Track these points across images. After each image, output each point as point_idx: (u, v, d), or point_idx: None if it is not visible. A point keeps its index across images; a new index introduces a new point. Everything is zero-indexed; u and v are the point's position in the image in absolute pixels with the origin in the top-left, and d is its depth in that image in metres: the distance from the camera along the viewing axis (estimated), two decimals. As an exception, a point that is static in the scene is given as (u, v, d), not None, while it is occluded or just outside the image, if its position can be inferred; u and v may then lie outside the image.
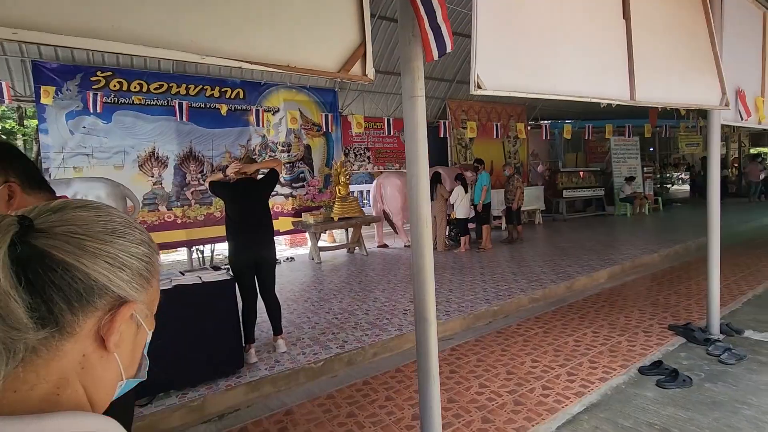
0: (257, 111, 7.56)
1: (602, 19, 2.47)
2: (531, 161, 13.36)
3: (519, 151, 12.78)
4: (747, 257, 6.47)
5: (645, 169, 13.59)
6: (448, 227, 8.46)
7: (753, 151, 18.85)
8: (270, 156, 8.05)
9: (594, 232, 9.44)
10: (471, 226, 8.24)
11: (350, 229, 8.33)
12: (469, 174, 8.49)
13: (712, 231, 3.61)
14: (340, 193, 7.85)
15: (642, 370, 3.11)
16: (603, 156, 13.58)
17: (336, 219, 7.62)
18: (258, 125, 7.68)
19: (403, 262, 7.23)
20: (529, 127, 11.58)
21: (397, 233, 8.86)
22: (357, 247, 8.14)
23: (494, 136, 10.07)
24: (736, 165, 17.72)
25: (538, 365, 3.30)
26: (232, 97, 7.64)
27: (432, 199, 7.99)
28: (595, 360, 3.31)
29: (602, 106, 2.62)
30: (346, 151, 9.46)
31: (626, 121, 13.04)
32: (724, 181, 13.69)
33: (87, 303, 0.40)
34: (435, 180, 8.05)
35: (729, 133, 17.04)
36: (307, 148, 8.70)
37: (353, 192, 9.09)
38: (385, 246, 8.72)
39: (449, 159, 11.14)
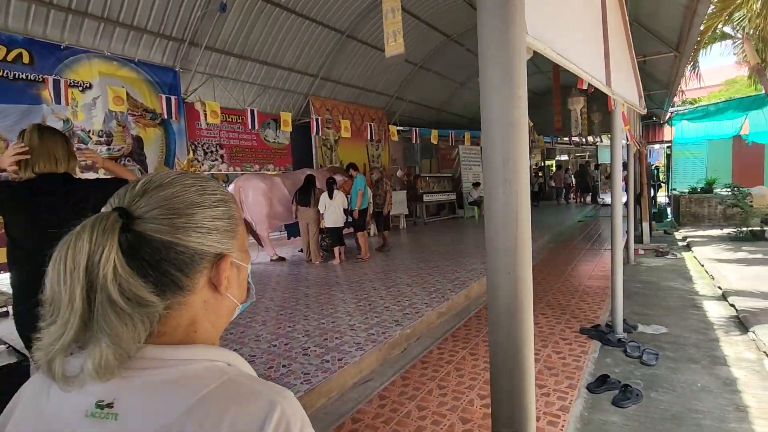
0: (56, 83, 5.32)
1: (596, 13, 2.41)
2: (391, 166, 13.46)
3: (381, 155, 12.70)
4: (588, 252, 7.42)
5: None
6: (321, 237, 7.56)
7: (548, 162, 23.10)
8: (79, 149, 5.80)
9: (459, 234, 9.84)
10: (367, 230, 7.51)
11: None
12: (339, 178, 7.78)
13: (615, 232, 3.67)
14: (188, 198, 6.15)
15: (591, 389, 2.84)
16: (452, 162, 14.64)
17: (184, 232, 5.92)
18: (58, 103, 5.42)
19: (275, 280, 6.03)
20: (399, 131, 11.50)
21: (261, 245, 7.52)
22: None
23: (368, 138, 9.52)
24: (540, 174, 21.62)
25: (486, 398, 2.74)
26: (10, 59, 5.23)
27: (307, 205, 6.98)
28: (541, 383, 2.92)
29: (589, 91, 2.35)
30: (194, 146, 7.65)
31: (473, 132, 14.31)
32: (541, 186, 16.32)
33: (194, 266, 0.51)
34: (310, 184, 7.07)
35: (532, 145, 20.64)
36: (137, 140, 6.65)
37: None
38: (247, 262, 7.31)
39: (314, 161, 10.23)
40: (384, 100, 12.71)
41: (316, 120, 8.29)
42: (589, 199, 16.91)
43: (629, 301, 4.70)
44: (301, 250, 7.65)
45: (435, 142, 11.93)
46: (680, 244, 7.83)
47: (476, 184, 13.66)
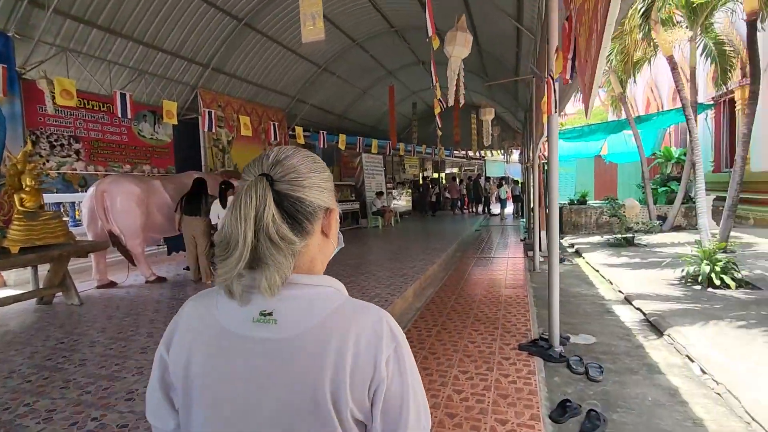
0: None
1: None
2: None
3: (281, 161, 11.73)
4: (495, 260, 7.57)
5: (387, 185, 15.13)
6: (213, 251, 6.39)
7: (435, 175, 24.04)
8: None
9: (367, 246, 9.40)
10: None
11: (41, 266, 5.04)
12: (235, 183, 6.75)
13: (552, 242, 3.53)
14: (23, 205, 4.59)
15: (554, 418, 2.53)
16: (355, 170, 14.27)
17: (14, 250, 4.36)
18: None
19: (153, 307, 4.80)
20: (306, 134, 10.63)
21: (134, 264, 6.07)
22: (62, 293, 4.98)
23: (272, 138, 8.49)
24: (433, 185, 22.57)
25: (463, 392, 2.24)
26: None
27: (196, 215, 5.82)
28: (501, 417, 2.52)
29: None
30: (34, 137, 5.88)
31: (380, 140, 14.13)
32: (437, 197, 16.88)
33: (315, 216, 0.67)
34: (201, 190, 5.93)
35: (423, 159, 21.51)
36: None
37: (52, 205, 5.72)
38: (111, 285, 5.81)
39: (203, 163, 8.86)
40: (284, 101, 11.79)
41: (208, 113, 7.07)
42: (480, 209, 18.01)
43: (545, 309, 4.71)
44: (187, 268, 6.37)
45: (342, 148, 11.40)
46: (569, 250, 8.51)
47: (380, 194, 13.48)
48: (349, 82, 13.70)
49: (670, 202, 10.32)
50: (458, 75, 5.47)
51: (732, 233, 8.36)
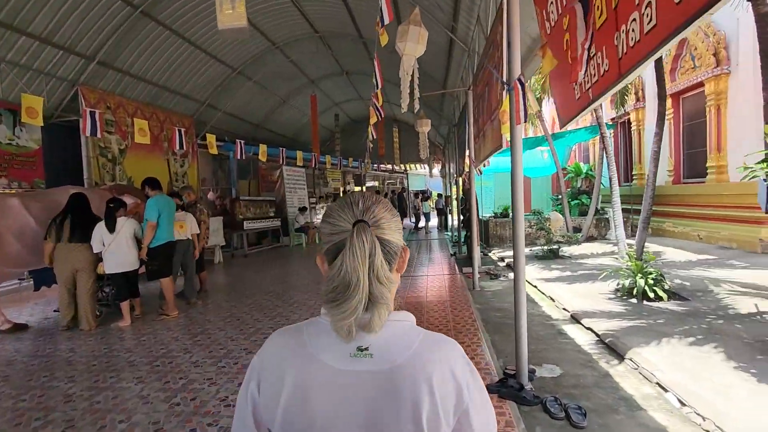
0: None
1: None
2: (200, 187, 11.13)
3: (188, 174, 10.29)
4: (431, 278, 7.20)
5: (310, 199, 14.27)
6: (99, 287, 5.10)
7: (356, 189, 23.74)
8: None
9: (292, 268, 8.48)
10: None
11: None
12: (129, 200, 5.58)
13: (518, 266, 3.14)
14: None
15: (556, 493, 2.04)
16: (275, 184, 13.20)
17: None
18: None
19: (2, 370, 3.51)
20: (220, 143, 9.36)
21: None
22: None
23: (177, 147, 7.17)
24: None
25: None
26: None
27: (80, 241, 4.57)
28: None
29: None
30: None
31: (306, 153, 13.23)
32: None
33: (398, 255, 0.75)
34: (82, 209, 4.68)
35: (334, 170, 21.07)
36: None
37: None
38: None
39: (86, 177, 7.30)
40: (192, 105, 10.45)
41: (91, 114, 5.70)
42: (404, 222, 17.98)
43: (502, 335, 4.37)
44: (57, 310, 4.95)
45: (263, 160, 10.36)
46: (500, 264, 8.50)
47: (303, 209, 12.58)
48: (267, 89, 12.71)
49: (582, 214, 11.01)
50: (412, 76, 4.81)
51: (628, 241, 9.04)
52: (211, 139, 8.01)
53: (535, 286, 6.32)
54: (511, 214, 8.23)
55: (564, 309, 5.12)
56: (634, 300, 5.10)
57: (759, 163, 3.40)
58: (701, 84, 8.48)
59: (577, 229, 10.39)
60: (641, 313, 4.60)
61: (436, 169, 20.87)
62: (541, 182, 15.64)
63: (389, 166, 21.70)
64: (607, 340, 3.96)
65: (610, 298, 5.29)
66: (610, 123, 11.79)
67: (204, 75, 10.05)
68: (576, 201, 11.50)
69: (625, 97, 10.98)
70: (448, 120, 12.94)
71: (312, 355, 0.69)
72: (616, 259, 7.62)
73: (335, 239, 0.71)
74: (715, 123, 8.28)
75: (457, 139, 9.45)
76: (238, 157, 9.35)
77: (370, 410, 0.65)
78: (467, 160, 6.91)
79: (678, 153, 9.66)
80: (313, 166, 13.37)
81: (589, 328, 4.37)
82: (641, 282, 5.06)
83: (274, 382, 0.69)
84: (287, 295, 5.90)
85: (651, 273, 5.15)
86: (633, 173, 11.48)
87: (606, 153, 8.00)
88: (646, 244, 8.93)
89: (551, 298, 5.62)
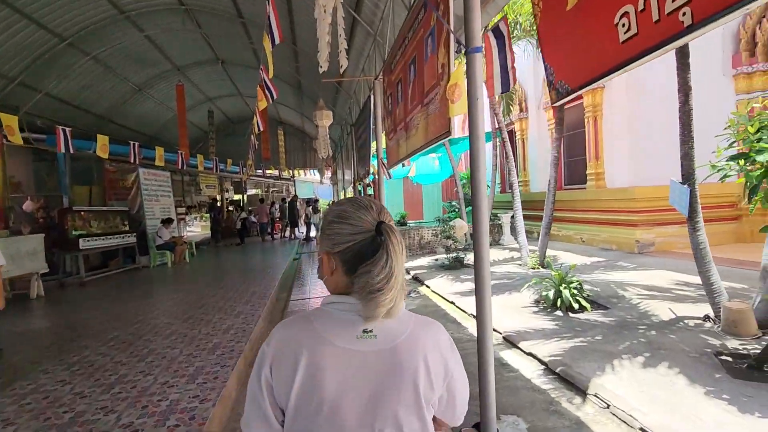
0: None
1: None
2: (10, 194, 8.22)
3: (-12, 175, 7.40)
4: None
5: (179, 210, 11.89)
6: None
7: (237, 197, 20.99)
8: None
9: (151, 299, 6.48)
10: None
11: None
12: None
13: (482, 300, 2.24)
14: None
15: None
16: (127, 192, 10.55)
17: None
18: None
19: None
20: (36, 135, 6.77)
21: None
22: None
23: None
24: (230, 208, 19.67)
25: None
26: None
27: None
28: None
29: None
30: None
31: (169, 154, 10.82)
32: (244, 223, 14.43)
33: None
34: None
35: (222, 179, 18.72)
36: None
37: None
38: None
39: None
40: (-7, 81, 7.60)
41: None
42: (294, 233, 16.29)
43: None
44: None
45: (104, 156, 8.01)
46: (407, 277, 7.78)
47: (168, 221, 10.26)
48: (116, 72, 10.15)
49: (476, 220, 11.05)
50: (334, 16, 3.56)
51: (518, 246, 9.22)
52: (9, 122, 5.60)
53: (452, 302, 5.67)
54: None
55: (495, 330, 4.48)
56: (559, 312, 4.72)
57: (731, 159, 3.11)
58: (580, 96, 9.05)
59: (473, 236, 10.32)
60: (574, 328, 4.19)
61: (327, 176, 19.78)
62: (431, 189, 15.72)
63: (275, 172, 19.86)
64: (557, 370, 3.35)
65: (535, 312, 4.85)
66: (497, 132, 12.17)
67: (15, 41, 7.36)
68: (469, 207, 11.54)
69: (510, 107, 11.44)
70: (341, 122, 12.01)
71: (324, 338, 0.78)
72: (520, 265, 7.52)
73: (357, 239, 0.81)
74: (593, 133, 8.87)
75: (355, 141, 8.55)
76: (62, 150, 6.93)
77: (376, 383, 0.77)
78: (375, 163, 6.02)
79: (560, 161, 10.25)
80: (181, 167, 11.09)
81: (530, 354, 3.75)
82: (566, 293, 4.71)
83: (289, 365, 0.77)
84: (138, 343, 4.17)
85: (572, 283, 4.86)
86: (518, 180, 12.00)
87: (506, 158, 7.90)
88: (534, 248, 9.16)
89: (473, 315, 4.98)
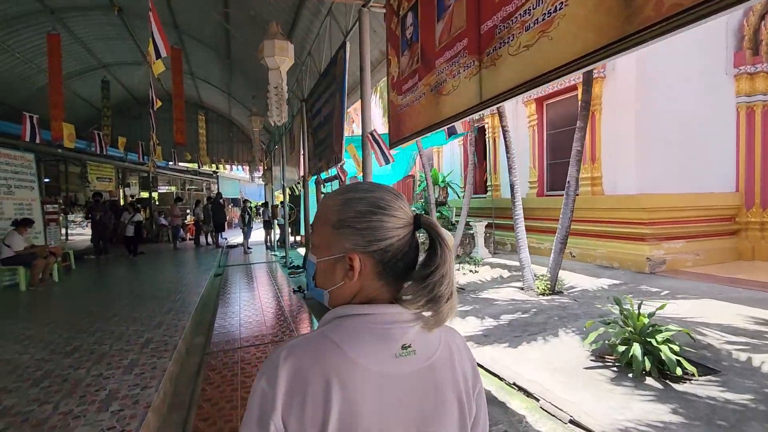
0: None
1: None
2: None
3: None
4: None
5: (47, 208, 8.64)
6: None
7: (145, 194, 17.18)
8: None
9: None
10: None
11: None
12: None
13: None
14: None
15: None
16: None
17: None
18: None
19: None
20: None
21: None
22: None
23: None
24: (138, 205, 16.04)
25: None
26: None
27: None
28: None
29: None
30: None
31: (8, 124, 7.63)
32: (139, 227, 11.28)
33: None
34: None
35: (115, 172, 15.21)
36: None
37: None
38: None
39: None
40: None
41: None
42: (210, 239, 13.25)
43: None
44: None
45: None
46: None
47: (24, 223, 7.14)
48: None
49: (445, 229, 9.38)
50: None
51: (497, 260, 7.68)
52: None
53: (482, 366, 3.77)
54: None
55: (575, 423, 2.65)
56: (650, 380, 3.05)
57: None
58: (574, 87, 7.79)
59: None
60: (711, 420, 2.51)
61: (258, 173, 16.97)
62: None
63: (193, 166, 16.62)
64: None
65: (612, 379, 3.13)
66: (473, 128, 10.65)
67: None
68: (437, 214, 9.85)
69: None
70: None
71: (355, 363, 0.61)
72: (522, 290, 5.89)
73: (400, 234, 0.66)
74: (589, 131, 7.63)
75: (311, 119, 6.33)
76: None
77: (420, 409, 0.63)
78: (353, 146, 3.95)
79: (541, 163, 8.96)
80: (28, 139, 7.76)
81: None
82: (666, 352, 3.04)
83: (313, 407, 0.58)
84: None
85: (660, 332, 3.23)
86: (488, 184, 10.60)
87: (508, 154, 6.27)
88: (504, 261, 7.66)
89: (519, 388, 3.12)
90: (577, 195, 7.78)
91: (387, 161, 3.26)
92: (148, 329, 4.36)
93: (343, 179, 4.45)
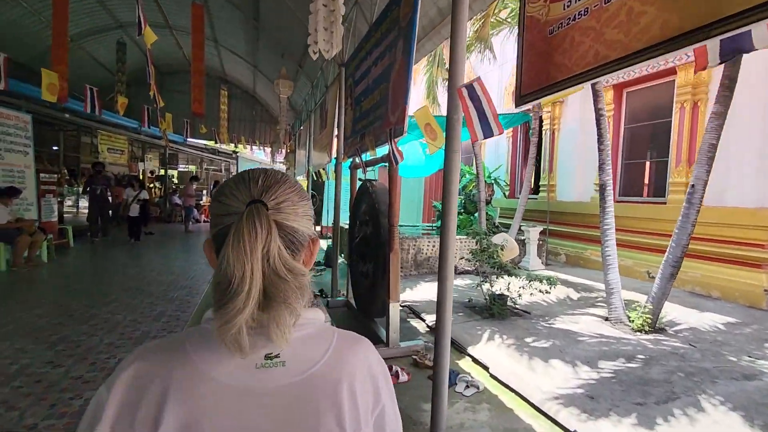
0: None
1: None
2: None
3: None
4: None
5: (44, 177, 7.68)
6: None
7: (162, 172, 16.24)
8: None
9: None
10: None
11: None
12: None
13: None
14: None
15: None
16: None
17: None
18: None
19: None
20: None
21: None
22: None
23: None
24: (154, 183, 15.19)
25: None
26: None
27: None
28: None
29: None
30: None
31: None
32: (146, 206, 10.24)
33: (304, 247, 0.60)
34: None
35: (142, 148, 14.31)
36: None
37: None
38: None
39: None
40: None
41: None
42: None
43: None
44: None
45: None
46: (422, 329, 4.53)
47: (11, 192, 6.17)
48: None
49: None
50: None
51: (552, 273, 6.30)
52: None
53: (532, 404, 2.52)
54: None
55: None
56: None
57: None
58: (672, 71, 6.34)
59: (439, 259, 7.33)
60: None
61: (280, 156, 15.89)
62: (412, 185, 12.50)
63: (212, 143, 15.64)
64: None
65: None
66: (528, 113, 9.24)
67: None
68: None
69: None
70: (312, 79, 8.45)
71: (202, 374, 0.52)
72: (609, 321, 4.57)
73: (226, 221, 0.56)
74: (688, 125, 6.19)
75: (400, 63, 5.13)
76: None
77: (286, 429, 0.53)
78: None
79: (615, 162, 7.54)
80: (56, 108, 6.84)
81: None
82: None
83: (144, 420, 0.49)
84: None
85: None
86: (541, 184, 9.21)
87: (600, 146, 4.95)
88: (565, 277, 6.38)
89: None
90: (662, 203, 6.40)
91: (491, 132, 2.02)
92: (146, 325, 3.25)
93: (399, 160, 3.23)
